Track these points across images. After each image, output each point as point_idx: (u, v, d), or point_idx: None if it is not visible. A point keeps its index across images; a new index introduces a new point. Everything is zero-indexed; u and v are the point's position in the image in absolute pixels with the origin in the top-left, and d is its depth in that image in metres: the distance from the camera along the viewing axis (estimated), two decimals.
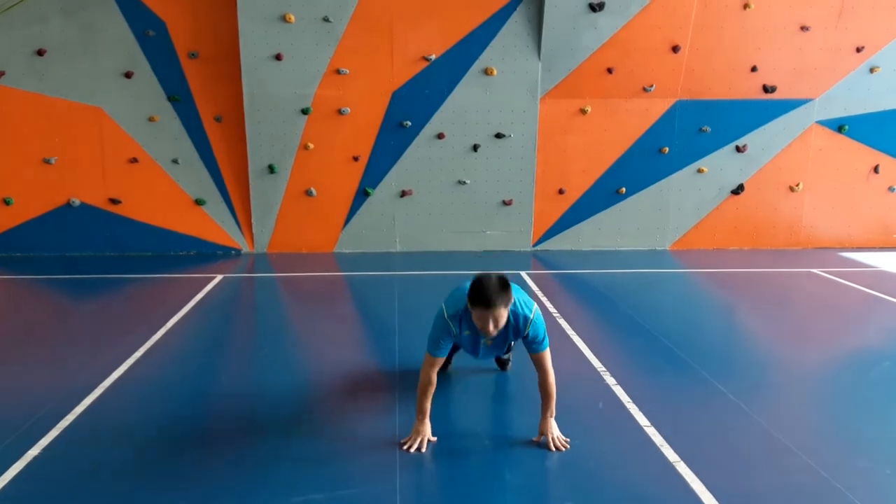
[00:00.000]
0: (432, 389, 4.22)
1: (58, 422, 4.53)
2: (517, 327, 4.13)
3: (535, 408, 4.35)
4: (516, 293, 4.12)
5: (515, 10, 9.58)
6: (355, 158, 9.95)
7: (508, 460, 4.12)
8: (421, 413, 4.23)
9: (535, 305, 4.26)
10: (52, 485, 3.83)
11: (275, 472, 3.95)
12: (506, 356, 5.17)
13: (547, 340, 4.20)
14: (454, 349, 4.87)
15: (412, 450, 4.14)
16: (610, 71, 9.80)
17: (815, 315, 7.51)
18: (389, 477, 3.89)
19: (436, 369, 4.22)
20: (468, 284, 4.03)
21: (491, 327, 3.93)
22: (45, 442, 4.26)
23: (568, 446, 4.18)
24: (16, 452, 4.12)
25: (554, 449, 4.15)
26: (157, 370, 5.57)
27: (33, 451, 4.14)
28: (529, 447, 4.22)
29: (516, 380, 5.23)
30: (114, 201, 9.92)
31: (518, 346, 4.66)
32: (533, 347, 4.18)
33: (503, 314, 3.91)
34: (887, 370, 5.59)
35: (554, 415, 4.25)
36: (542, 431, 4.22)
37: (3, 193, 9.82)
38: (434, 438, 4.26)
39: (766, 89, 9.99)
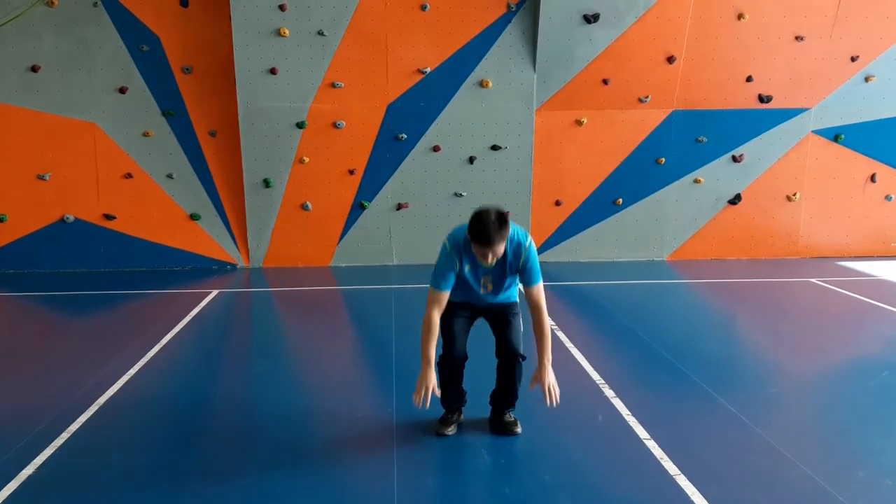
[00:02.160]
0: (436, 332, 4.22)
1: (53, 440, 4.48)
2: (515, 253, 4.24)
3: (534, 422, 4.32)
4: (511, 226, 4.21)
5: (510, 22, 9.59)
6: (351, 172, 9.93)
7: (507, 474, 4.08)
8: (426, 359, 4.19)
9: (530, 237, 4.36)
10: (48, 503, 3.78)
11: (272, 483, 3.90)
12: (511, 419, 4.65)
13: (540, 274, 4.31)
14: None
15: (419, 402, 4.12)
16: (605, 82, 9.80)
17: (813, 325, 7.48)
18: (388, 485, 3.85)
19: (439, 308, 4.26)
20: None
21: (490, 258, 4.10)
22: (40, 460, 4.21)
23: (558, 400, 4.18)
24: (11, 471, 4.07)
25: (547, 398, 4.16)
26: (152, 387, 5.51)
27: (28, 470, 4.09)
28: (528, 460, 4.19)
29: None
30: (108, 217, 9.88)
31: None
32: (527, 278, 4.28)
33: (501, 248, 4.10)
34: (887, 380, 5.55)
35: (550, 360, 4.23)
36: (538, 378, 4.23)
37: None
38: (438, 391, 4.23)
39: (761, 99, 9.99)
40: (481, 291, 4.40)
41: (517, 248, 4.25)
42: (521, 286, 4.42)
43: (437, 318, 4.24)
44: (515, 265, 4.28)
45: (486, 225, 4.00)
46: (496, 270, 4.32)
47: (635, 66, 9.72)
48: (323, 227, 10.09)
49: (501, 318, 4.47)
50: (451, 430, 4.53)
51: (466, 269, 4.30)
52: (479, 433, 4.57)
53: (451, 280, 4.28)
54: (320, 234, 10.11)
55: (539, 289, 4.30)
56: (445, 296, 4.29)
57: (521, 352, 4.41)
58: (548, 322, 4.32)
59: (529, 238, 4.33)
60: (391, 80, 9.71)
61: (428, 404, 4.13)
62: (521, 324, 4.49)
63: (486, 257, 4.09)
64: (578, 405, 5.01)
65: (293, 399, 5.24)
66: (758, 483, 3.92)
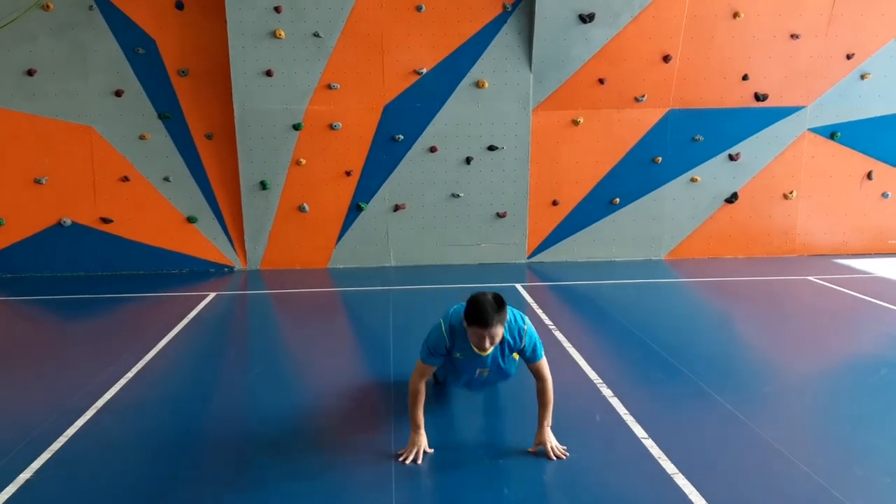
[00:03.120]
0: (422, 399, 4.25)
1: (50, 444, 4.47)
2: (513, 339, 4.18)
3: (531, 419, 4.31)
4: (508, 308, 4.13)
5: (506, 22, 9.60)
6: (348, 173, 9.93)
7: (505, 473, 4.07)
8: (415, 425, 4.23)
9: (527, 318, 4.30)
10: None
11: (270, 490, 3.89)
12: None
13: (542, 349, 4.26)
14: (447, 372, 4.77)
15: (408, 461, 4.12)
16: (601, 81, 9.80)
17: (811, 323, 7.48)
18: (386, 491, 3.85)
19: (425, 378, 4.26)
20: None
21: (487, 344, 3.98)
22: (37, 465, 4.20)
23: (566, 454, 4.16)
24: (8, 476, 4.06)
25: (554, 458, 4.13)
26: (150, 390, 5.50)
27: (25, 475, 4.08)
28: (526, 460, 4.18)
29: (512, 392, 5.17)
30: (105, 220, 9.87)
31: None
32: (531, 358, 4.23)
33: (499, 332, 3.97)
34: (885, 377, 5.55)
35: (550, 424, 4.24)
36: (540, 441, 4.21)
37: None
38: (431, 450, 4.23)
39: (757, 97, 10.00)
40: (473, 386, 4.42)
41: (517, 330, 4.19)
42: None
43: (422, 386, 4.25)
44: (515, 347, 4.22)
45: (483, 307, 3.90)
46: (493, 364, 4.28)
47: (631, 65, 9.73)
48: (320, 229, 10.09)
49: None
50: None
51: (458, 356, 4.25)
52: (475, 435, 4.55)
53: (441, 359, 4.27)
54: (317, 236, 10.11)
55: (544, 364, 4.26)
56: (432, 369, 4.30)
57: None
58: (551, 391, 4.27)
59: (527, 319, 4.30)
60: (387, 81, 9.71)
61: (420, 461, 4.15)
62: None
63: (483, 340, 3.95)
64: (576, 405, 5.01)
65: (291, 402, 5.23)
66: (756, 481, 3.92)
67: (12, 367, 6.19)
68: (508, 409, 5.06)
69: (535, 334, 4.27)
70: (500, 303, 3.94)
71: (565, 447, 4.21)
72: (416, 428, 4.23)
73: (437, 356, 4.25)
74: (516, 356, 4.36)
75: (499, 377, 4.46)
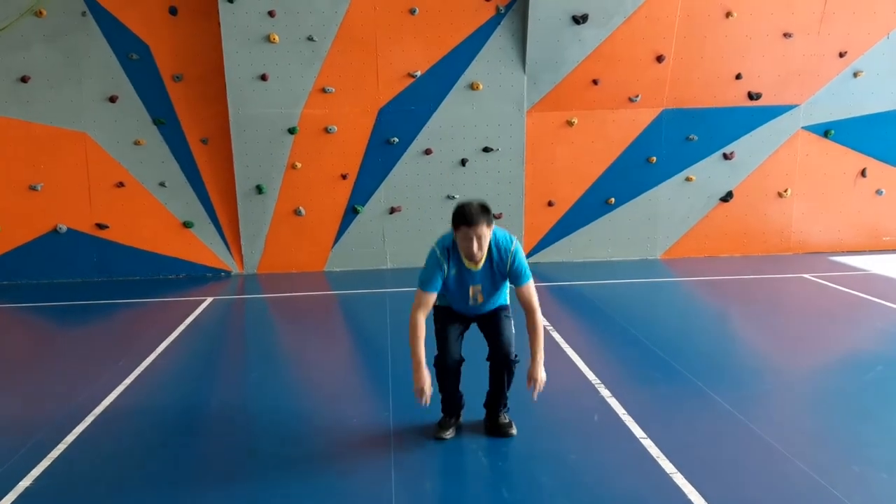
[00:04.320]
0: (423, 333, 4.30)
1: (49, 451, 4.47)
2: (501, 256, 4.31)
3: (531, 419, 4.33)
4: (495, 229, 4.33)
5: (499, 24, 9.61)
6: (343, 176, 9.93)
7: (504, 475, 4.08)
8: (416, 361, 4.29)
9: (515, 238, 4.44)
10: None
11: (270, 491, 3.90)
12: (507, 420, 4.63)
13: (529, 272, 4.38)
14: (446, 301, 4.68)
15: (423, 403, 4.27)
16: (595, 82, 9.82)
17: (807, 320, 7.51)
18: (386, 490, 3.86)
19: (424, 310, 4.33)
20: None
21: (475, 247, 4.14)
22: (37, 472, 4.21)
23: (541, 389, 4.31)
24: (7, 484, 4.06)
25: (535, 393, 4.31)
26: (148, 396, 5.50)
27: (25, 482, 4.08)
28: (525, 462, 4.19)
29: (512, 392, 5.18)
30: (101, 226, 9.86)
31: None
32: (518, 280, 4.34)
33: (486, 233, 4.16)
34: (881, 374, 5.57)
35: (542, 357, 4.32)
36: (533, 377, 4.31)
37: None
38: (430, 390, 4.29)
39: (751, 96, 10.03)
40: (470, 303, 4.42)
41: (503, 250, 4.32)
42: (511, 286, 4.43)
43: (421, 319, 4.31)
44: (503, 267, 4.32)
45: (468, 208, 4.14)
46: (485, 279, 4.34)
47: (625, 65, 9.75)
48: (316, 233, 10.09)
49: (493, 321, 4.49)
50: (449, 434, 4.54)
51: (453, 273, 4.31)
52: (475, 436, 4.57)
53: (438, 283, 4.33)
54: (314, 240, 10.11)
55: (529, 287, 4.36)
56: (432, 297, 4.36)
57: (514, 356, 4.43)
58: (540, 320, 4.37)
59: (514, 239, 4.41)
60: (382, 84, 9.72)
61: (429, 401, 4.24)
62: (512, 326, 4.51)
63: (471, 243, 4.13)
64: (574, 405, 5.03)
65: (289, 405, 5.24)
66: (754, 479, 3.94)
67: (10, 374, 6.19)
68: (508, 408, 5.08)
69: (522, 255, 4.37)
70: (485, 208, 4.17)
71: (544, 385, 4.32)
72: (418, 365, 4.28)
73: (435, 280, 4.32)
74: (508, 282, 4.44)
75: (492, 295, 4.44)
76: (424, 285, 4.34)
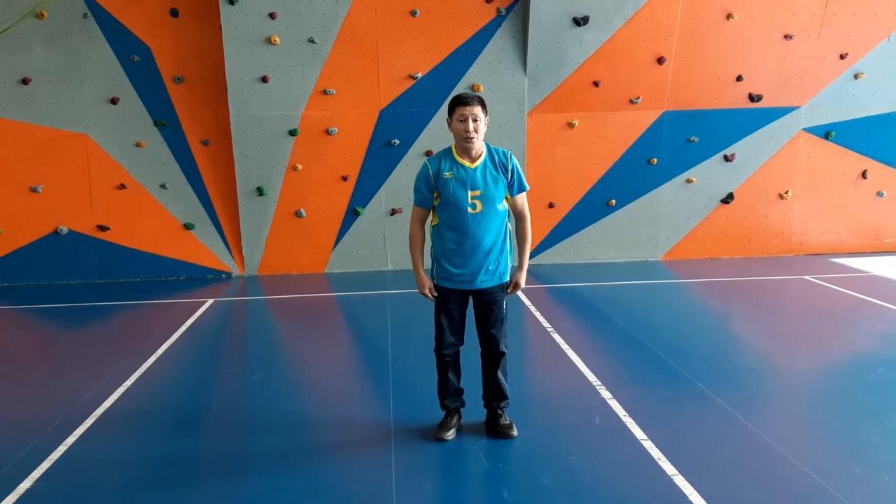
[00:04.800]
0: (422, 243, 4.58)
1: (50, 453, 4.47)
2: (500, 156, 4.46)
3: (531, 420, 4.32)
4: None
5: (500, 26, 9.62)
6: (344, 178, 9.94)
7: (505, 476, 4.08)
8: (416, 268, 4.58)
9: (511, 153, 4.60)
10: None
11: (270, 492, 3.90)
12: (507, 422, 4.62)
13: (525, 183, 4.57)
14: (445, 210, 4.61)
15: (432, 298, 4.55)
16: (596, 84, 9.83)
17: (808, 322, 7.50)
18: (386, 491, 3.85)
19: (422, 222, 4.59)
20: None
21: (471, 126, 4.28)
22: (37, 474, 4.21)
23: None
24: (9, 484, 4.07)
25: (511, 291, 4.55)
26: (149, 398, 5.51)
27: (26, 484, 4.08)
28: (526, 463, 4.19)
29: (513, 392, 5.19)
30: (102, 228, 9.87)
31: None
32: (515, 186, 4.48)
33: (480, 116, 4.32)
34: (882, 376, 5.57)
35: (527, 265, 4.55)
36: (516, 281, 4.53)
37: None
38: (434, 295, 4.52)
39: (752, 98, 10.03)
40: (469, 212, 4.36)
41: (501, 153, 4.49)
42: (508, 207, 4.55)
43: (421, 230, 4.59)
44: (502, 169, 4.44)
45: (463, 93, 4.44)
46: (484, 181, 4.38)
47: (625, 67, 9.75)
48: (317, 234, 10.10)
49: (487, 307, 4.49)
50: (450, 435, 4.54)
51: (446, 174, 4.39)
52: (475, 437, 4.57)
53: (428, 193, 4.48)
54: (315, 241, 10.12)
55: (524, 198, 4.57)
56: (427, 212, 4.58)
57: (503, 347, 4.52)
58: (530, 230, 4.60)
59: (511, 154, 4.59)
60: (383, 86, 9.73)
61: (434, 294, 4.52)
62: (505, 317, 4.54)
63: (466, 122, 4.27)
64: (575, 407, 5.02)
65: (290, 407, 5.24)
66: (755, 481, 3.93)
67: (11, 376, 6.19)
68: (509, 409, 5.08)
69: (519, 165, 4.54)
70: (481, 98, 4.40)
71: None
72: (419, 270, 4.57)
73: (428, 189, 4.47)
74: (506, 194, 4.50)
75: (491, 206, 4.40)
76: (419, 200, 4.54)
